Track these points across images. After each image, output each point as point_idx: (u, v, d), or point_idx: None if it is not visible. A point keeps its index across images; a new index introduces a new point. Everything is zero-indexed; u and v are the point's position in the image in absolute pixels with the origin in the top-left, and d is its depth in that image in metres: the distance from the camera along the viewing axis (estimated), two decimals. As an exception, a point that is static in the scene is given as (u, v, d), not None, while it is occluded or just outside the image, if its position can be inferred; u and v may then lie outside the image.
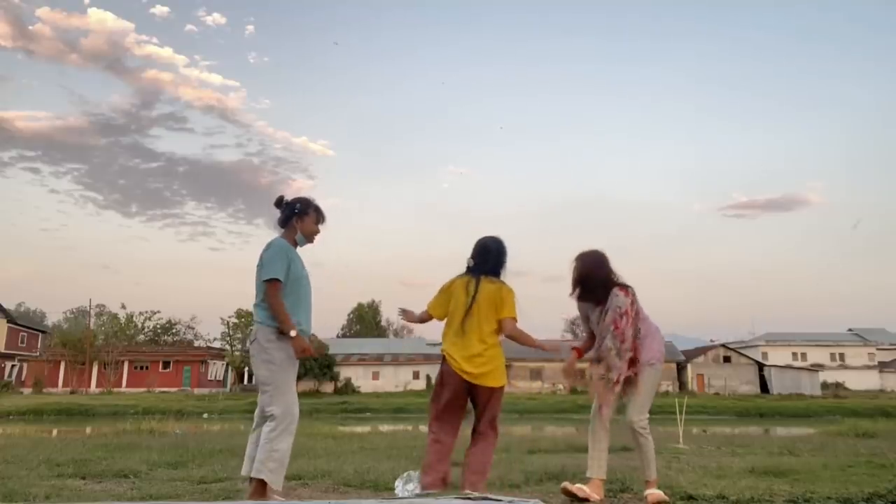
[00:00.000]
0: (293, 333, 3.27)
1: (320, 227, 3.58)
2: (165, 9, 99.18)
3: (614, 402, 3.66)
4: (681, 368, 51.12)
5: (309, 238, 3.55)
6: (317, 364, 43.76)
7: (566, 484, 3.57)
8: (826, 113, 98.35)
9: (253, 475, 3.28)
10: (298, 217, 3.50)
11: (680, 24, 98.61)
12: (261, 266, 3.38)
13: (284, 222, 3.54)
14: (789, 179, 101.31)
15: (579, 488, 3.48)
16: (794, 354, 56.01)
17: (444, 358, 3.55)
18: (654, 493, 3.47)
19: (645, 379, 3.63)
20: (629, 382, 3.61)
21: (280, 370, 3.31)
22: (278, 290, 3.30)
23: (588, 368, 3.71)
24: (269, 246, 3.42)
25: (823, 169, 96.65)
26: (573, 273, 3.74)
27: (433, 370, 49.53)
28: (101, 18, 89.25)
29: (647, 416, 3.61)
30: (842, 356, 56.05)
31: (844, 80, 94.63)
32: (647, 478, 3.58)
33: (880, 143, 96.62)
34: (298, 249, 3.56)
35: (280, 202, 3.56)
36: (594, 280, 3.68)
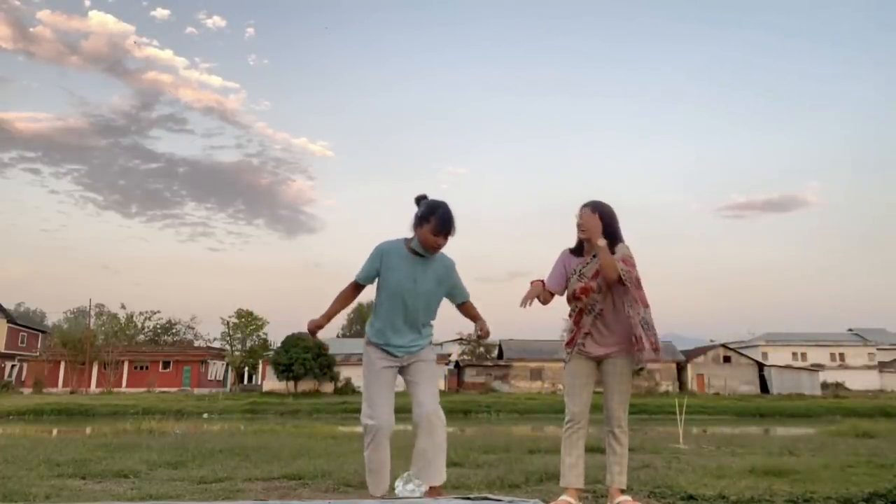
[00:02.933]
0: (308, 328, 3.21)
1: (441, 240, 3.17)
2: (166, 11, 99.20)
3: (590, 399, 3.39)
4: (681, 368, 51.12)
5: (427, 249, 3.20)
6: (317, 364, 43.70)
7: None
8: (823, 113, 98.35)
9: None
10: (419, 223, 3.19)
11: (679, 25, 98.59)
12: None
13: (414, 225, 3.24)
14: (787, 180, 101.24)
15: (566, 500, 3.22)
16: (794, 354, 55.98)
17: None
18: (626, 499, 3.22)
19: (630, 365, 3.36)
20: (611, 363, 3.33)
21: (367, 378, 3.27)
22: (348, 287, 3.28)
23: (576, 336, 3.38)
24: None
25: (821, 169, 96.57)
26: (594, 220, 3.32)
27: (433, 370, 49.47)
28: (101, 21, 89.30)
29: None
30: (842, 356, 56.00)
31: (842, 80, 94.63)
32: (619, 485, 3.27)
33: (878, 143, 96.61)
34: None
35: (419, 201, 3.28)
36: (615, 230, 3.37)
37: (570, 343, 3.44)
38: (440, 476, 3.19)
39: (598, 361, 3.39)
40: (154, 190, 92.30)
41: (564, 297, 3.47)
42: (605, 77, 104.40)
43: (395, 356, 3.30)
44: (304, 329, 3.34)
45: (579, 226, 3.38)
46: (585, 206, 3.40)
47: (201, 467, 4.90)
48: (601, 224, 3.31)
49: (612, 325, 3.34)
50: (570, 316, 3.49)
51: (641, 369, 3.40)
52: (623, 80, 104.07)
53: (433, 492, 3.15)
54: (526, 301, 3.26)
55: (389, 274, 3.23)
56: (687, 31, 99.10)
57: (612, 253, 3.29)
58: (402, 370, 3.34)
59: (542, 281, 3.39)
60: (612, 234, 3.33)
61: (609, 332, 3.34)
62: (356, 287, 3.31)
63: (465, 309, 3.49)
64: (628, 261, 3.31)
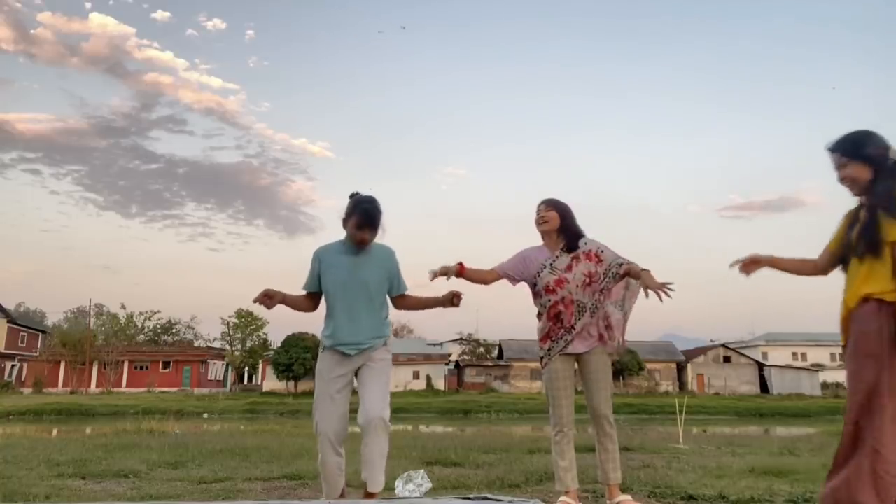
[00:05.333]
0: (261, 296, 3.17)
1: (364, 233, 3.17)
2: (167, 14, 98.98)
3: (573, 400, 3.38)
4: (681, 368, 51.14)
5: (355, 244, 3.22)
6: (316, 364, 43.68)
7: None
8: (822, 113, 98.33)
9: None
10: (345, 218, 3.22)
11: (678, 25, 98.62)
12: None
13: (343, 222, 3.26)
14: (785, 181, 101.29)
15: (565, 501, 3.21)
16: (794, 354, 55.96)
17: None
18: (627, 498, 3.23)
19: (609, 358, 3.36)
20: (590, 360, 3.32)
21: (318, 382, 3.25)
22: (302, 298, 3.29)
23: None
24: None
25: (820, 170, 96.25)
26: (553, 216, 3.39)
27: (433, 370, 49.55)
28: (102, 23, 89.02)
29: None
30: (842, 356, 55.85)
31: (840, 80, 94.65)
32: (615, 482, 3.27)
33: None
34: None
35: (351, 198, 3.29)
36: (571, 224, 3.42)
37: (547, 339, 3.38)
38: (380, 484, 3.14)
39: (577, 359, 3.38)
40: (154, 190, 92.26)
41: (532, 292, 3.45)
42: (604, 77, 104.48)
43: (348, 355, 3.22)
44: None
45: (540, 220, 3.44)
46: (543, 202, 3.49)
47: (201, 467, 4.90)
48: (559, 219, 3.40)
49: (591, 318, 3.33)
50: (539, 315, 3.44)
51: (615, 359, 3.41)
52: (622, 81, 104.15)
53: (370, 497, 3.14)
54: (435, 275, 3.29)
55: (329, 272, 3.21)
56: (686, 31, 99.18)
57: (578, 247, 3.37)
58: (357, 371, 3.26)
59: (461, 263, 3.34)
60: (569, 227, 3.41)
61: (592, 326, 3.32)
62: (308, 297, 3.30)
63: (404, 303, 3.38)
64: (607, 251, 3.36)
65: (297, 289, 3.35)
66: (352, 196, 3.28)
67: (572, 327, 3.31)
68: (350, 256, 3.23)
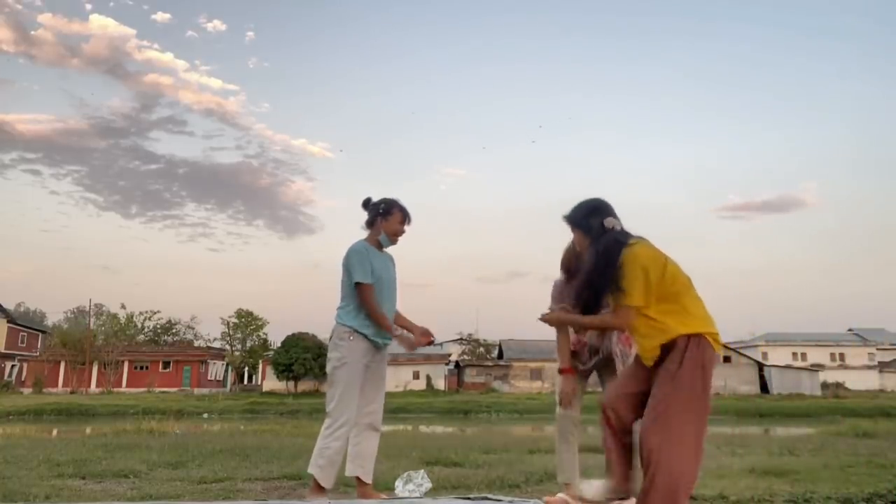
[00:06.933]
0: (396, 333, 3.46)
1: (406, 227, 3.60)
2: (167, 15, 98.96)
3: (581, 397, 3.45)
4: (681, 368, 51.05)
5: (392, 238, 3.59)
6: (317, 364, 43.71)
7: (548, 498, 3.31)
8: (822, 113, 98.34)
9: (309, 470, 3.39)
10: (383, 217, 3.55)
11: (676, 24, 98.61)
12: (346, 270, 3.47)
13: (370, 224, 3.60)
14: (784, 180, 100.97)
15: (563, 499, 3.27)
16: (794, 354, 55.95)
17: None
18: (631, 500, 3.28)
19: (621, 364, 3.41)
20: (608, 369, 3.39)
21: (343, 370, 3.36)
22: (369, 292, 3.40)
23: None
24: (348, 252, 3.49)
25: (819, 169, 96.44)
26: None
27: (433, 370, 49.51)
28: (102, 24, 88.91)
29: None
30: (842, 356, 55.98)
31: (839, 80, 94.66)
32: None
33: (877, 143, 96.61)
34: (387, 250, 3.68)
35: (367, 204, 3.62)
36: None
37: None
38: (371, 475, 3.48)
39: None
40: (154, 191, 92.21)
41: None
42: (603, 76, 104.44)
43: (378, 348, 3.49)
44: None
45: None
46: None
47: (201, 467, 4.90)
48: None
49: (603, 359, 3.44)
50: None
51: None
52: (621, 80, 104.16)
53: (366, 489, 3.43)
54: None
55: (377, 268, 3.48)
56: (684, 30, 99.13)
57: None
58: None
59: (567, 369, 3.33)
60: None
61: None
62: (372, 289, 3.45)
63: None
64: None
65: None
66: (368, 202, 3.62)
67: (585, 371, 3.45)
68: (383, 257, 3.59)
